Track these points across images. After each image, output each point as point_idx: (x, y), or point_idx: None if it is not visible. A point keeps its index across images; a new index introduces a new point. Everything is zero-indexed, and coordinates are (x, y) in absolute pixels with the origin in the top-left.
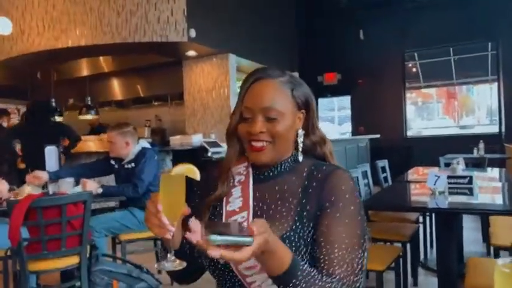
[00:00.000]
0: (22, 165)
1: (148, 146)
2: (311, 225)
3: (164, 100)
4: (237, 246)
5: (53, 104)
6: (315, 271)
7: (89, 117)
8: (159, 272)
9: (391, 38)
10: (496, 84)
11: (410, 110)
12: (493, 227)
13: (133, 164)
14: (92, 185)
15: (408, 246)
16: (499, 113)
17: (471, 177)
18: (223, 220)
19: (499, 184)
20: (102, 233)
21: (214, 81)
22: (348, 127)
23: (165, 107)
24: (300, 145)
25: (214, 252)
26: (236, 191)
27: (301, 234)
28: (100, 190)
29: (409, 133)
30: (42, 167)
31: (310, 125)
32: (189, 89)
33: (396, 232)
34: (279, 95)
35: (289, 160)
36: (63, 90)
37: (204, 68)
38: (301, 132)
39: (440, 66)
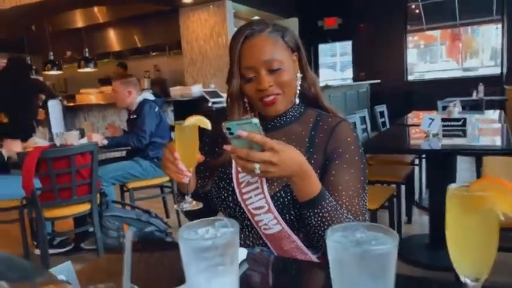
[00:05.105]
0: (5, 120)
1: (151, 97)
2: (318, 172)
3: (162, 50)
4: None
5: (29, 61)
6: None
7: (88, 70)
8: (167, 216)
9: None
10: (500, 24)
11: (412, 54)
12: (484, 167)
13: (135, 116)
14: (97, 137)
15: (403, 187)
16: (502, 55)
17: (465, 120)
18: (234, 176)
19: (498, 125)
20: (110, 182)
21: (212, 29)
22: (349, 73)
23: (164, 57)
24: (298, 88)
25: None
26: None
27: None
28: (105, 141)
29: (411, 77)
30: (25, 120)
31: (304, 65)
32: (187, 37)
33: (391, 174)
34: (274, 45)
35: (294, 108)
36: (60, 43)
37: (200, 15)
38: (299, 75)
39: (444, 6)
